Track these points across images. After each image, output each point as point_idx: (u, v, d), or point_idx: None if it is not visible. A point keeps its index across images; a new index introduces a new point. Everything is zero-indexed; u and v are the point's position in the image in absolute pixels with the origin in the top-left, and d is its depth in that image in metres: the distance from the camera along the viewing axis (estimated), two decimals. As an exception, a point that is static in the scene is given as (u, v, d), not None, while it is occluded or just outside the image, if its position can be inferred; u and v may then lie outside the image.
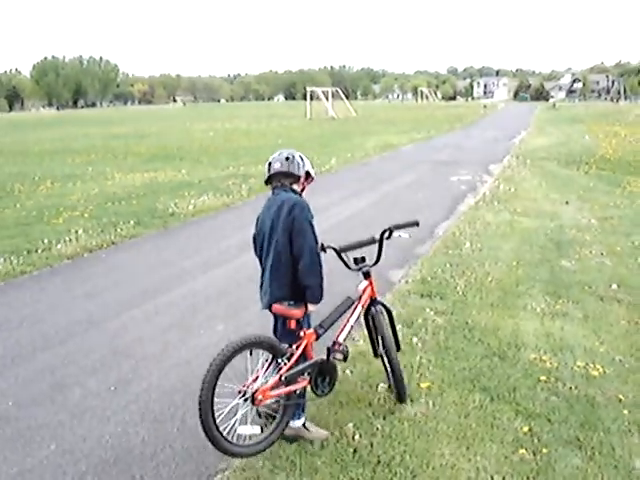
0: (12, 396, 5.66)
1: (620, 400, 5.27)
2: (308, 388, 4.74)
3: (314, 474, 4.33)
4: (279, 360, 4.48)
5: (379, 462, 4.43)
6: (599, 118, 53.92)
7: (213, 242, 11.37)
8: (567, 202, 14.36)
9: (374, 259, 5.15)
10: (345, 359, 4.88)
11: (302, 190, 4.85)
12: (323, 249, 4.59)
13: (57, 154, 28.92)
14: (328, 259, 4.76)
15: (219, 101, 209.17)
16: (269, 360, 4.50)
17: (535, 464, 4.40)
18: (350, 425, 4.86)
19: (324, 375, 4.81)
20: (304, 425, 4.79)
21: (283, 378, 4.41)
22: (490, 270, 8.93)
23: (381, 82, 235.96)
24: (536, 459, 4.45)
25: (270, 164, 4.73)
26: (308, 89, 68.67)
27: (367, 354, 6.15)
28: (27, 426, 5.16)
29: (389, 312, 5.30)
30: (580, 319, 7.15)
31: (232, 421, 4.31)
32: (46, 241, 11.25)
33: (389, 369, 5.23)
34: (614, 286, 8.19)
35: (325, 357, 4.79)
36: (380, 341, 5.21)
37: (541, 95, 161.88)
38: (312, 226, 4.56)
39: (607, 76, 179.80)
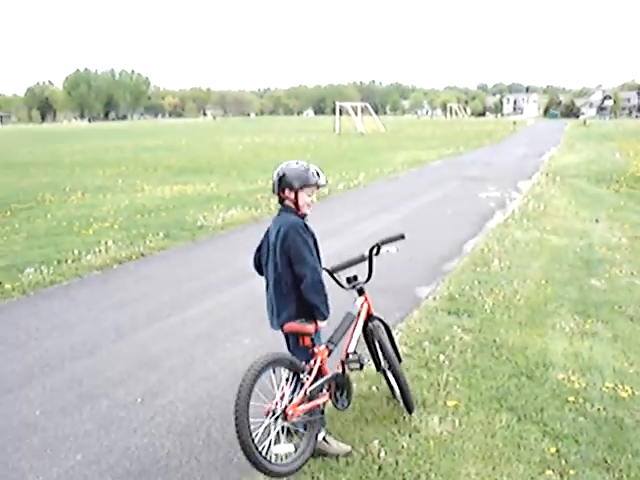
0: (40, 405, 5.72)
1: (650, 423, 5.19)
2: (329, 404, 4.76)
3: (339, 491, 4.30)
4: (301, 376, 4.51)
5: (404, 480, 4.40)
6: (630, 136, 53.37)
7: (241, 255, 11.39)
8: (597, 220, 14.21)
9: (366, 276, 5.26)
10: (361, 367, 4.91)
11: (295, 203, 4.71)
12: None
13: (88, 165, 29.29)
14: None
15: (249, 115, 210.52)
16: (290, 377, 4.52)
17: (562, 486, 4.34)
18: (375, 442, 4.83)
19: (342, 389, 4.87)
20: (324, 439, 4.79)
21: (308, 393, 4.44)
22: (519, 288, 8.86)
23: (410, 97, 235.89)
24: (563, 481, 4.39)
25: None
26: (337, 104, 68.84)
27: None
28: (54, 435, 5.20)
29: (387, 327, 5.40)
30: (609, 339, 7.06)
31: (267, 441, 4.31)
32: (76, 252, 11.37)
33: (393, 381, 5.30)
34: (645, 306, 8.09)
35: (340, 370, 4.83)
36: (381, 355, 5.27)
37: (571, 112, 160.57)
38: (308, 246, 4.57)
39: (638, 93, 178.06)
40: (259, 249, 4.99)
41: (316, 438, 4.61)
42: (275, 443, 4.37)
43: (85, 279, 10.07)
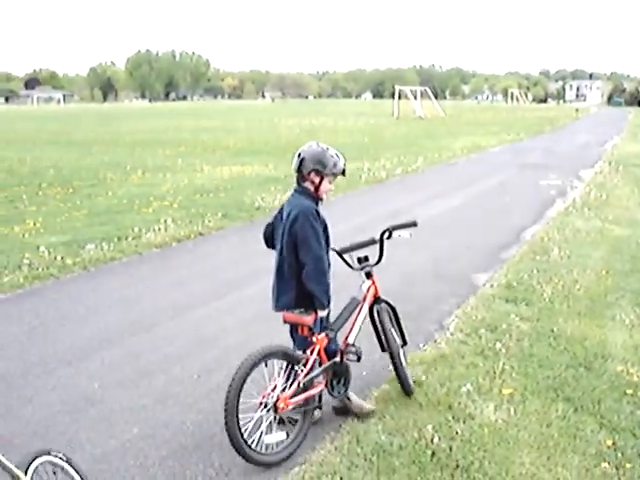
0: (99, 379, 5.85)
1: None
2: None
3: (392, 474, 4.31)
4: (295, 367, 4.55)
5: (457, 466, 4.38)
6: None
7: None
8: (661, 211, 13.87)
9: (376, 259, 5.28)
10: (359, 359, 4.93)
11: (317, 188, 4.73)
12: None
13: (148, 145, 29.71)
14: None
15: (307, 97, 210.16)
16: (284, 368, 4.57)
17: (618, 479, 4.28)
18: (429, 427, 4.81)
19: (339, 377, 4.89)
20: (347, 397, 4.92)
21: (301, 384, 4.50)
22: (578, 278, 8.70)
23: (471, 82, 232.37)
24: (619, 474, 4.32)
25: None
26: (396, 88, 68.14)
27: (449, 357, 6.12)
28: (111, 409, 5.32)
29: (393, 309, 5.43)
30: (672, 333, 6.90)
31: (258, 433, 4.42)
32: (136, 229, 11.55)
33: (391, 364, 5.32)
34: None
35: (338, 359, 4.84)
36: (383, 338, 5.28)
37: (636, 100, 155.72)
38: (317, 234, 4.56)
39: None
40: (272, 223, 5.03)
41: (309, 426, 4.68)
42: (267, 433, 4.44)
43: (144, 256, 10.24)
